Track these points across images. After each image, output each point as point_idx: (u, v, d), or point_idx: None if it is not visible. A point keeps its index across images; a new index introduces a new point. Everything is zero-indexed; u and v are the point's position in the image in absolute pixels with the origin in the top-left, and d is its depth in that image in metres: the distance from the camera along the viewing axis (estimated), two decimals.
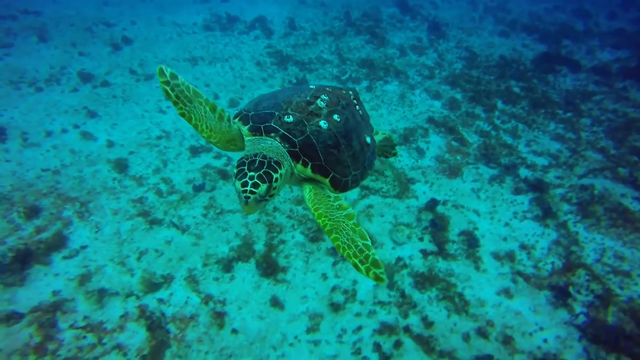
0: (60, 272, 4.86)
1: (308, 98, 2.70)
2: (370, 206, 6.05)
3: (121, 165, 6.51)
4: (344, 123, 2.67)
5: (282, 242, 5.36)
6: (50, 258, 5.00)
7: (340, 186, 2.60)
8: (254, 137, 2.53)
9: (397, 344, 4.23)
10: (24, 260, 4.81)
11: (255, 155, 2.30)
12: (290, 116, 2.54)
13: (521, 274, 5.04)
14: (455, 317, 4.56)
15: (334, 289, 4.79)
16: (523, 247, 5.45)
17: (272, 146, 2.46)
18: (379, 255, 5.15)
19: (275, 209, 5.85)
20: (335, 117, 2.66)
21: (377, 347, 4.20)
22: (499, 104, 8.96)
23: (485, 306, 4.69)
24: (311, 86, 2.89)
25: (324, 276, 4.94)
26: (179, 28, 11.89)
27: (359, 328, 4.39)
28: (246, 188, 2.16)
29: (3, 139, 6.89)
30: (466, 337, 4.33)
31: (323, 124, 2.57)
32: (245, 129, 2.55)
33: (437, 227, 5.63)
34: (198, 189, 6.14)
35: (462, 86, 9.64)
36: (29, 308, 4.37)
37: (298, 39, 11.80)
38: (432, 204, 5.98)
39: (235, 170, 2.25)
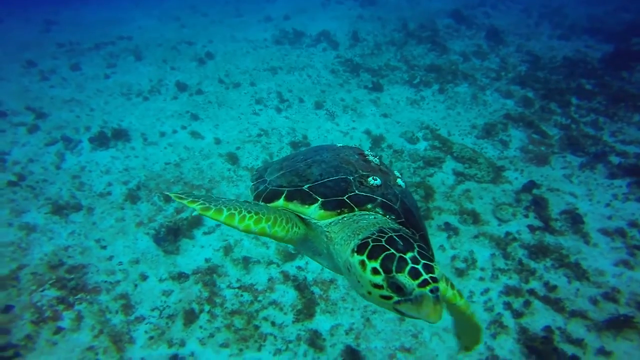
0: (205, 244, 5.52)
1: (357, 156, 2.19)
2: (468, 190, 6.42)
3: (233, 158, 7.26)
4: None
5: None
6: (193, 233, 5.69)
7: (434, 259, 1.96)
8: (339, 217, 1.84)
9: (527, 304, 4.53)
10: (175, 234, 5.52)
11: (382, 233, 1.64)
12: (377, 178, 1.96)
13: (638, 247, 5.22)
14: (576, 283, 4.81)
15: (453, 258, 5.17)
16: (633, 224, 5.62)
17: (375, 222, 1.79)
18: (488, 230, 5.49)
19: None
20: (397, 173, 2.20)
21: (508, 305, 4.51)
22: (574, 100, 9.17)
23: (605, 275, 4.90)
24: (338, 144, 2.48)
25: (442, 247, 5.33)
26: (252, 43, 12.94)
27: (486, 290, 4.73)
28: (424, 277, 1.46)
29: (128, 139, 7.85)
30: (594, 301, 4.56)
31: (401, 182, 2.10)
32: (315, 210, 1.85)
33: (540, 205, 5.91)
34: None
35: (531, 86, 9.93)
36: (191, 270, 5.03)
37: (363, 49, 12.53)
38: (530, 186, 6.27)
39: (374, 264, 1.53)
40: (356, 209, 1.84)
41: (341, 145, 2.44)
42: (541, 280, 4.85)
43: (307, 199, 1.89)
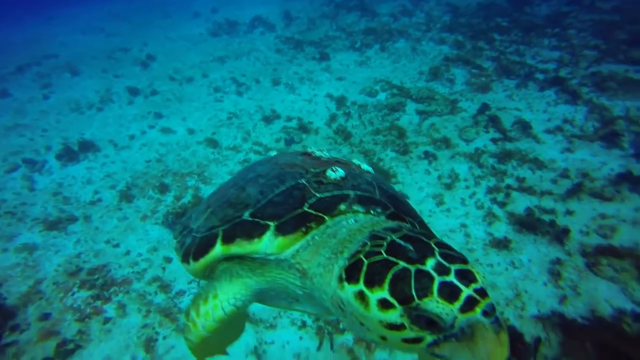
0: None
1: (301, 156, 1.79)
2: (433, 124, 7.25)
3: (213, 142, 7.45)
4: None
5: (380, 160, 6.47)
6: None
7: None
8: (308, 237, 1.36)
9: (507, 195, 5.42)
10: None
11: (376, 239, 1.18)
12: (338, 169, 1.54)
13: (573, 136, 6.35)
14: (539, 172, 5.80)
15: (439, 177, 5.94)
16: (565, 121, 6.78)
17: (360, 227, 1.32)
18: (460, 150, 6.32)
19: (361, 141, 6.96)
20: (356, 161, 1.90)
21: (494, 200, 5.37)
22: (496, 36, 10.41)
23: (556, 162, 5.95)
24: (272, 154, 2.17)
25: (427, 171, 6.09)
26: (190, 39, 12.83)
27: (473, 194, 5.55)
28: (467, 294, 0.96)
29: (98, 148, 7.69)
30: (554, 181, 5.57)
31: (367, 167, 1.78)
32: (269, 240, 1.36)
33: (495, 121, 6.88)
34: (289, 142, 7.16)
35: (459, 30, 11.05)
36: None
37: (299, 26, 12.97)
38: (483, 108, 7.24)
39: (380, 293, 1.02)
40: (326, 217, 1.36)
41: (276, 153, 2.06)
42: (513, 177, 5.78)
43: (253, 231, 1.38)
